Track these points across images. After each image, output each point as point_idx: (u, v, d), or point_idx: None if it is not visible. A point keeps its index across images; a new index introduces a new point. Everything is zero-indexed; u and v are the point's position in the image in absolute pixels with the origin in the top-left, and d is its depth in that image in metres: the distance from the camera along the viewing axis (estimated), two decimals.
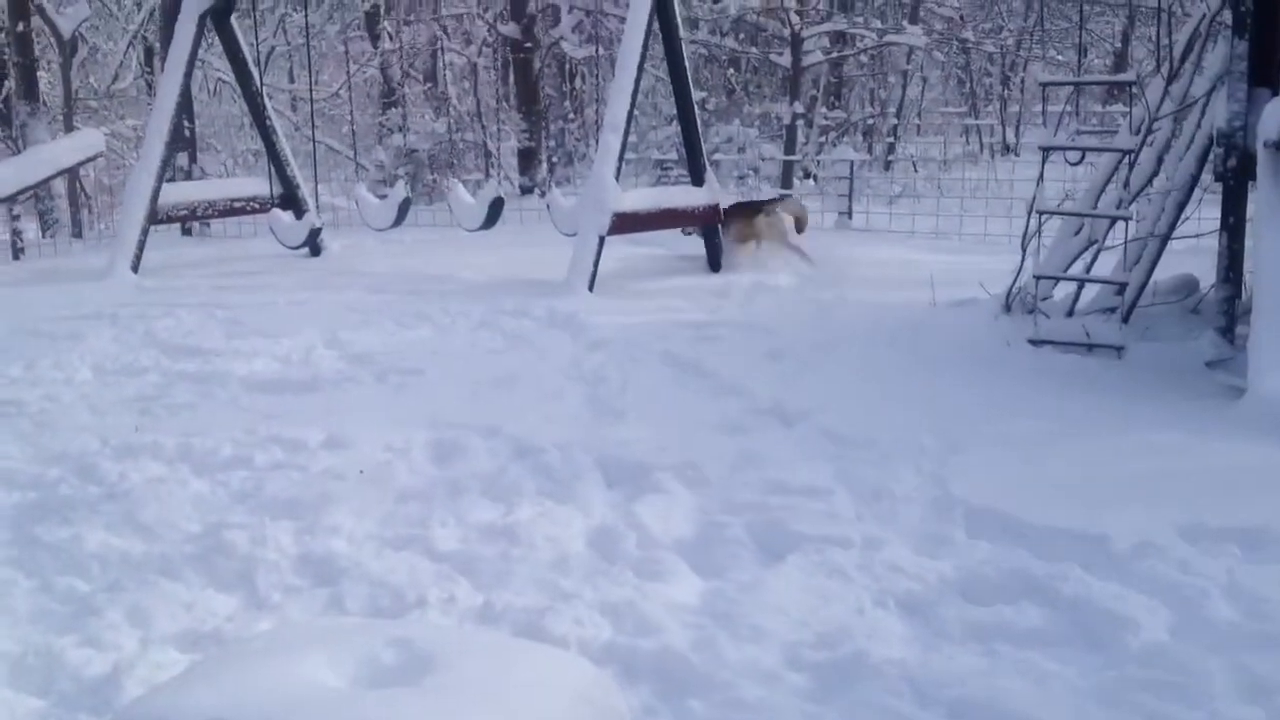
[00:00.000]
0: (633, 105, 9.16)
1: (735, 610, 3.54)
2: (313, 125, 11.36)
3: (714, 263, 9.87)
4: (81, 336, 7.01)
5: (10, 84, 16.97)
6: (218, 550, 3.99)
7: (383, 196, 10.48)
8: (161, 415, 5.50)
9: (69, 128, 15.78)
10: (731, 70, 19.95)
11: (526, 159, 17.60)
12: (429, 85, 20.58)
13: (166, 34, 15.57)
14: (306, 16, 12.34)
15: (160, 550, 4.03)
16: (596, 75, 19.52)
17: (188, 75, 10.38)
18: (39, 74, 17.06)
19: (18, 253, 12.56)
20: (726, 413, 5.52)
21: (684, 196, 9.83)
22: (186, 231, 13.66)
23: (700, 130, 10.02)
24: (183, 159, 14.17)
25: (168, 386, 6.03)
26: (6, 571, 3.92)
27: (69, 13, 17.14)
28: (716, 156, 14.20)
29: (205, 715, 2.10)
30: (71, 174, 14.25)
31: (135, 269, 9.43)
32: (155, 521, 4.23)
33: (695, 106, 10.00)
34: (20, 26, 15.70)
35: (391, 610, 3.63)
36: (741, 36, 17.98)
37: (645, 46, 9.23)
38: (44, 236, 15.16)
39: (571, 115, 19.59)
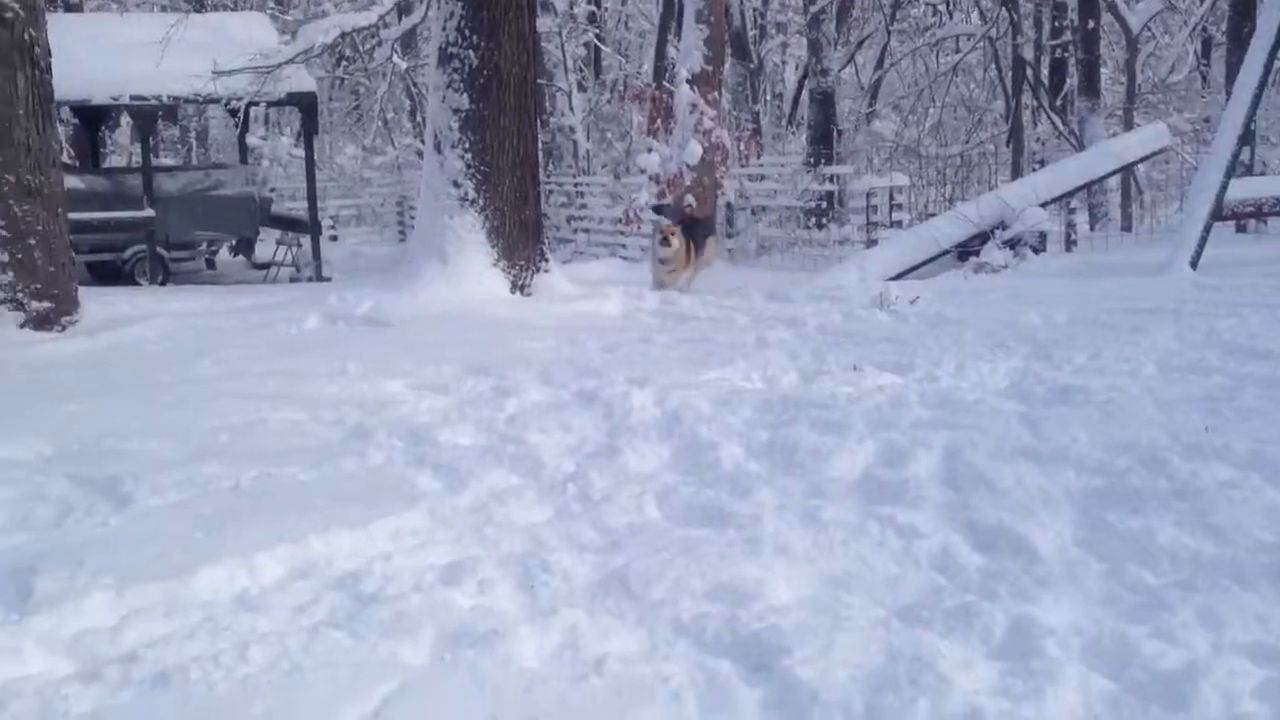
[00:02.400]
0: None
1: None
2: None
3: None
4: (1143, 330, 7.31)
5: (1072, 80, 18.23)
6: None
7: None
8: (1230, 418, 5.49)
9: (1128, 123, 16.45)
10: None
11: None
12: None
13: (1232, 24, 15.38)
14: None
15: (1232, 555, 4.04)
16: None
17: (1268, 66, 10.09)
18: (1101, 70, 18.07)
19: (1070, 244, 13.50)
20: None
21: None
22: (1241, 228, 13.40)
23: None
24: (1243, 153, 13.89)
25: (1236, 389, 6.00)
26: (1078, 552, 4.24)
27: (1140, 8, 17.80)
28: None
29: None
30: (1127, 169, 14.85)
31: (1194, 265, 9.52)
32: (1227, 525, 4.25)
33: None
34: (1090, 24, 16.77)
35: None
36: None
37: None
38: (1092, 230, 16.11)
39: None
